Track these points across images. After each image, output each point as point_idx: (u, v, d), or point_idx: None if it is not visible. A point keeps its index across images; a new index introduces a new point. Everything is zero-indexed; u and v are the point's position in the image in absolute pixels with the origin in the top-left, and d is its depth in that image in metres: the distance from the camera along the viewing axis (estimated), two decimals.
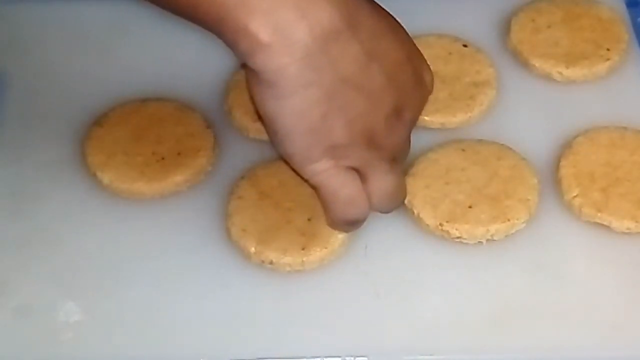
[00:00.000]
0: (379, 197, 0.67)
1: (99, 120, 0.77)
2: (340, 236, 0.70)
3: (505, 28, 0.83)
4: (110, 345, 0.66)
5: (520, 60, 0.81)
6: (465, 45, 0.81)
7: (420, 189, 0.72)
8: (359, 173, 0.66)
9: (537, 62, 0.81)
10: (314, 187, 0.67)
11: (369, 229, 0.71)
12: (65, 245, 0.71)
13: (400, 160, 0.69)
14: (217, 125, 0.77)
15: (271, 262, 0.69)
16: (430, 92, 0.69)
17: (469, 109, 0.78)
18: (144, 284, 0.69)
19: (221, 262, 0.70)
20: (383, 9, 0.66)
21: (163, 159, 0.74)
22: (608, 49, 0.81)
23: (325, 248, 0.70)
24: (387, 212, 0.70)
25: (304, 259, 0.69)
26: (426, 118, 0.77)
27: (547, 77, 0.80)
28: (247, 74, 0.62)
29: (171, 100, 0.78)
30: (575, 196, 0.72)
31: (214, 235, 0.71)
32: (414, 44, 0.68)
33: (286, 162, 0.66)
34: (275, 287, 0.69)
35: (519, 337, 0.66)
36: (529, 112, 0.79)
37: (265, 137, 0.76)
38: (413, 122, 0.68)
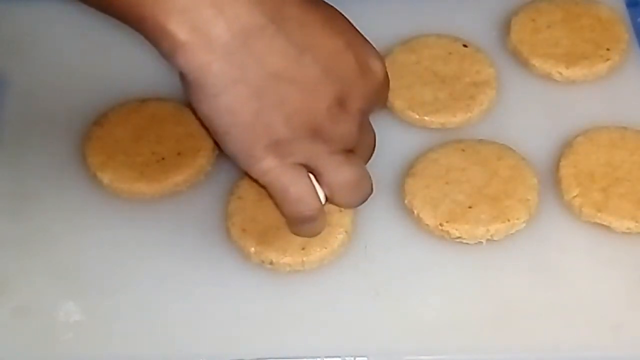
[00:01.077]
0: (337, 190, 0.67)
1: (99, 120, 0.77)
2: (340, 236, 0.70)
3: (505, 28, 0.83)
4: (110, 345, 0.66)
5: (520, 60, 0.81)
6: (465, 45, 0.81)
7: (420, 189, 0.72)
8: (310, 169, 0.65)
9: (537, 62, 0.81)
10: (262, 186, 0.66)
11: (369, 229, 0.71)
12: (65, 245, 0.71)
13: (361, 151, 0.68)
14: None
15: (271, 262, 0.69)
16: (380, 79, 0.67)
17: (469, 109, 0.78)
18: (144, 284, 0.69)
19: (221, 262, 0.70)
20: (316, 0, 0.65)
21: (163, 159, 0.74)
22: (608, 49, 0.81)
23: (325, 248, 0.69)
24: (353, 206, 0.69)
25: (304, 259, 0.69)
26: (426, 118, 0.77)
27: (547, 77, 0.80)
28: (179, 77, 0.62)
29: (171, 100, 0.78)
30: (575, 196, 0.72)
31: (214, 235, 0.71)
32: (357, 33, 0.66)
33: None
34: (275, 287, 0.69)
35: (519, 337, 0.66)
36: (529, 112, 0.79)
37: None
38: (362, 112, 0.66)
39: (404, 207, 0.72)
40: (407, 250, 0.70)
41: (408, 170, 0.74)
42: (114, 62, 0.82)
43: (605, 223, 0.71)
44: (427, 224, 0.71)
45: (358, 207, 0.72)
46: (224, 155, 0.75)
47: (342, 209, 0.71)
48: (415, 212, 0.72)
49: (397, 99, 0.78)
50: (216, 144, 0.65)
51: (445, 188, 0.72)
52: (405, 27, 0.83)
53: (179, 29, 0.59)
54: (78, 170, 0.75)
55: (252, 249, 0.70)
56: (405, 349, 0.66)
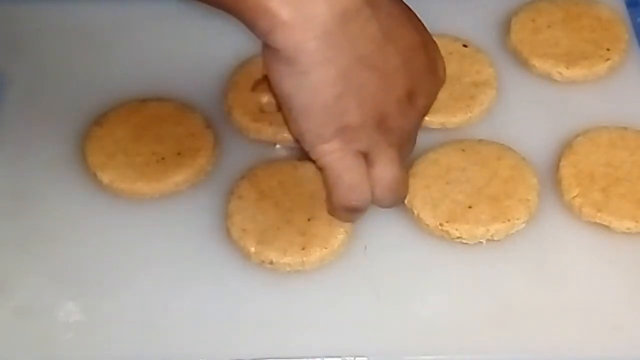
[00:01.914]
0: (382, 186, 0.67)
1: (99, 120, 0.77)
2: (340, 236, 0.70)
3: (505, 28, 0.83)
4: (110, 345, 0.66)
5: (520, 60, 0.81)
6: (465, 45, 0.81)
7: (420, 189, 0.72)
8: (366, 159, 0.66)
9: (537, 62, 0.81)
10: (320, 168, 0.67)
11: (369, 229, 0.71)
12: (65, 245, 0.71)
13: (406, 152, 0.69)
14: (217, 125, 0.77)
15: (271, 262, 0.69)
16: (443, 81, 0.69)
17: (469, 109, 0.78)
18: (144, 283, 0.69)
19: (221, 262, 0.70)
20: None
21: (163, 159, 0.74)
22: (608, 49, 0.81)
23: (325, 248, 0.70)
24: (387, 207, 0.70)
25: (304, 259, 0.69)
26: (426, 118, 0.77)
27: (547, 77, 0.80)
28: (264, 53, 0.63)
29: (171, 100, 0.78)
30: (575, 196, 0.72)
31: (214, 235, 0.71)
32: (429, 33, 0.68)
33: (297, 142, 0.66)
34: (275, 287, 0.69)
35: (519, 337, 0.66)
36: (529, 112, 0.79)
37: (265, 137, 0.76)
38: (425, 109, 0.68)
39: (404, 207, 0.72)
40: (407, 250, 0.70)
41: (408, 170, 0.74)
42: (114, 62, 0.82)
43: (605, 223, 0.71)
44: (427, 224, 0.71)
45: None
46: (224, 156, 0.75)
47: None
48: (415, 212, 0.72)
49: None
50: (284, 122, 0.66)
51: (445, 188, 0.72)
52: None
53: (281, 8, 0.60)
54: (78, 170, 0.75)
55: (252, 249, 0.70)
56: (405, 349, 0.66)
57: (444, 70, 0.69)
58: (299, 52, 0.61)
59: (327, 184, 0.67)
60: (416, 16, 0.67)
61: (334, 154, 0.65)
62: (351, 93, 0.63)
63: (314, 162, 0.66)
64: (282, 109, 0.65)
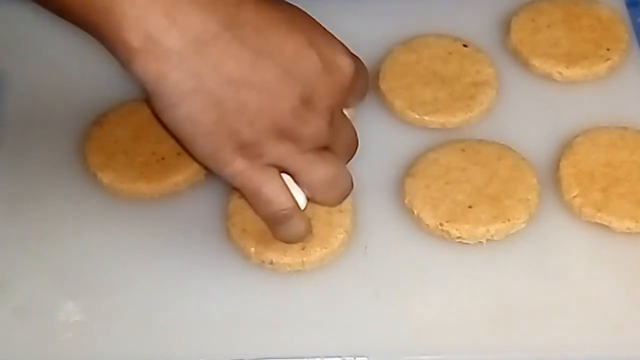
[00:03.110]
0: (314, 189, 0.66)
1: (99, 120, 0.77)
2: (340, 236, 0.70)
3: (505, 28, 0.83)
4: (110, 346, 0.66)
5: (520, 60, 0.81)
6: (465, 45, 0.81)
7: (420, 189, 0.72)
8: (284, 169, 0.65)
9: (537, 62, 0.81)
10: (238, 191, 0.66)
11: (369, 229, 0.71)
12: (65, 245, 0.71)
13: (338, 148, 0.67)
14: None
15: (271, 262, 0.69)
16: (348, 74, 0.65)
17: (469, 109, 0.78)
18: (144, 284, 0.69)
19: (221, 262, 0.70)
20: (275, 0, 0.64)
21: (163, 159, 0.74)
22: (608, 49, 0.81)
23: (325, 248, 0.70)
24: (335, 204, 0.69)
25: (304, 259, 0.69)
26: (426, 118, 0.77)
27: (547, 77, 0.80)
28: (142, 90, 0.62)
29: None
30: (575, 196, 0.72)
31: (214, 235, 0.71)
32: (321, 31, 0.66)
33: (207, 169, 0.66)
34: (275, 287, 0.69)
35: (519, 337, 0.66)
36: (529, 112, 0.79)
37: None
38: (331, 109, 0.65)
39: (404, 207, 0.72)
40: (407, 250, 0.70)
41: (408, 170, 0.74)
42: (114, 62, 0.82)
43: (605, 223, 0.71)
44: (427, 224, 0.71)
45: (358, 208, 0.72)
46: None
47: (342, 209, 0.71)
48: (415, 212, 0.72)
49: (397, 99, 0.78)
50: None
51: (445, 188, 0.72)
52: (405, 27, 0.83)
53: (132, 38, 0.59)
54: (78, 170, 0.75)
55: (252, 249, 0.70)
56: (405, 349, 0.66)
57: (349, 61, 0.65)
58: (161, 84, 0.60)
59: (251, 205, 0.67)
60: (302, 16, 0.65)
61: (243, 173, 0.64)
62: (233, 114, 0.62)
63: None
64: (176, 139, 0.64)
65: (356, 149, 0.70)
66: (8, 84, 0.80)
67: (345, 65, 0.65)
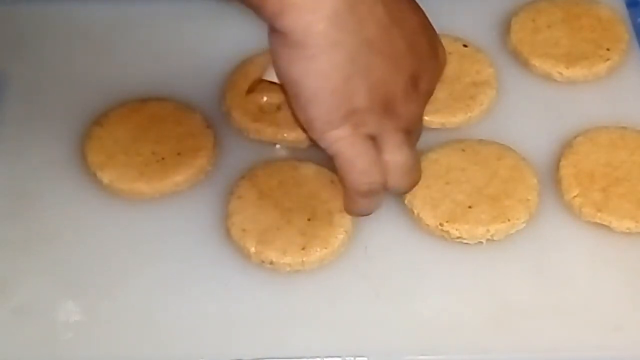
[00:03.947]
0: (394, 169, 0.67)
1: (99, 120, 0.77)
2: (340, 236, 0.70)
3: (505, 28, 0.83)
4: (110, 345, 0.66)
5: (520, 60, 0.81)
6: (465, 45, 0.81)
7: (420, 189, 0.72)
8: (375, 143, 0.66)
9: (537, 62, 0.81)
10: (331, 156, 0.66)
11: (369, 229, 0.71)
12: (65, 245, 0.71)
13: (415, 135, 0.69)
14: (217, 125, 0.77)
15: (271, 262, 0.69)
16: (443, 66, 0.69)
17: (469, 109, 0.78)
18: (144, 284, 0.69)
19: (221, 262, 0.70)
20: None
21: (163, 159, 0.74)
22: (608, 49, 0.81)
23: (325, 248, 0.70)
24: (402, 191, 0.70)
25: (304, 259, 0.69)
26: (426, 118, 0.77)
27: (547, 77, 0.80)
28: (271, 41, 0.63)
29: (171, 100, 0.78)
30: (575, 196, 0.72)
31: (214, 235, 0.71)
32: (427, 18, 0.68)
33: (305, 131, 0.66)
34: (275, 287, 0.69)
35: (519, 337, 0.66)
36: (529, 112, 0.79)
37: (265, 137, 0.76)
38: (428, 94, 0.68)
39: (404, 207, 0.72)
40: (407, 250, 0.70)
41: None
42: (114, 62, 0.82)
43: (605, 223, 0.71)
44: (427, 224, 0.71)
45: None
46: (224, 156, 0.75)
47: (342, 209, 0.71)
48: (415, 212, 0.72)
49: None
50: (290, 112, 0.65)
51: (445, 188, 0.72)
52: None
53: None
54: (78, 170, 0.75)
55: (252, 249, 0.70)
56: (405, 349, 0.66)
57: (444, 52, 0.69)
58: (308, 34, 0.61)
59: (340, 171, 0.66)
60: (415, 0, 0.67)
61: (345, 139, 0.64)
62: (359, 76, 0.63)
63: (322, 150, 0.66)
64: (289, 97, 0.65)
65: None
66: (8, 84, 0.80)
67: (443, 55, 0.68)
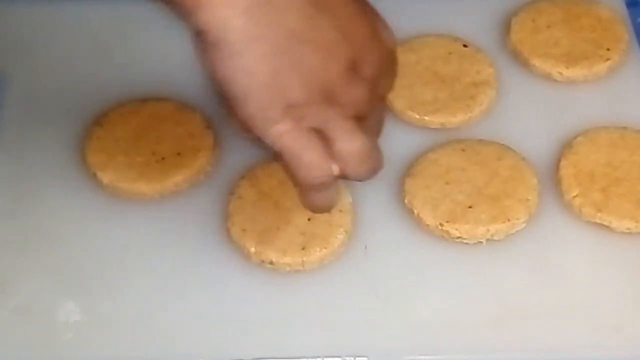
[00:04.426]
0: (346, 158, 0.65)
1: (99, 120, 0.77)
2: (340, 236, 0.70)
3: (505, 28, 0.83)
4: (110, 345, 0.66)
5: (520, 60, 0.81)
6: (465, 45, 0.81)
7: (420, 189, 0.72)
8: (323, 135, 0.64)
9: (537, 62, 0.81)
10: (278, 153, 0.65)
11: (369, 229, 0.71)
12: (65, 245, 0.71)
13: (371, 122, 0.67)
14: (217, 125, 0.77)
15: (271, 262, 0.69)
16: (390, 49, 0.66)
17: (469, 109, 0.78)
18: (144, 284, 0.69)
19: (221, 262, 0.70)
20: None
21: (163, 159, 0.74)
22: (608, 49, 0.81)
23: (325, 248, 0.70)
24: (362, 179, 0.68)
25: (304, 259, 0.69)
26: (426, 118, 0.77)
27: (547, 77, 0.80)
28: (195, 42, 0.62)
29: (171, 100, 0.78)
30: (575, 196, 0.72)
31: (214, 235, 0.71)
32: (368, 2, 0.66)
33: (248, 130, 0.64)
34: (275, 287, 0.69)
35: (519, 337, 0.66)
36: (529, 112, 0.79)
37: None
38: (374, 77, 0.65)
39: (404, 207, 0.72)
40: (407, 250, 0.70)
41: (408, 170, 0.74)
42: (114, 62, 0.82)
43: (605, 223, 0.71)
44: (427, 224, 0.71)
45: (358, 208, 0.72)
46: (224, 156, 0.75)
47: (342, 209, 0.71)
48: (415, 212, 0.72)
49: (397, 99, 0.78)
50: (229, 112, 0.64)
51: (445, 188, 0.72)
52: (405, 27, 0.83)
53: None
54: (78, 170, 0.75)
55: (252, 249, 0.70)
56: (405, 349, 0.66)
57: (391, 35, 0.67)
58: (226, 30, 0.60)
59: (289, 167, 0.65)
60: None
61: (287, 134, 0.63)
62: (289, 69, 0.61)
63: (268, 147, 0.64)
64: (225, 99, 0.63)
65: (382, 130, 0.69)
66: (8, 84, 0.80)
67: (389, 38, 0.66)
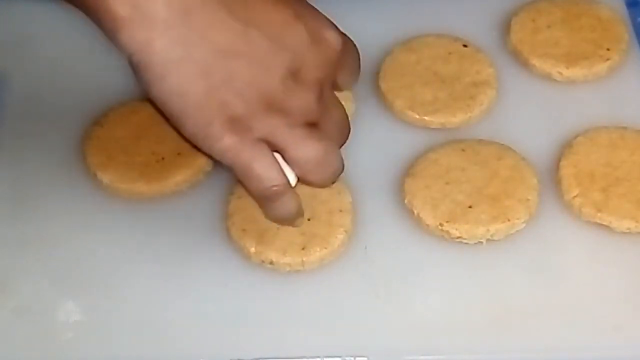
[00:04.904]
0: (303, 166, 0.65)
1: (99, 120, 0.77)
2: (340, 236, 0.70)
3: (505, 28, 0.83)
4: (110, 345, 0.66)
5: (520, 60, 0.81)
6: (465, 45, 0.81)
7: (420, 189, 0.72)
8: (273, 145, 0.64)
9: (537, 62, 0.81)
10: (229, 168, 0.65)
11: (369, 229, 0.71)
12: (65, 245, 0.71)
13: (329, 127, 0.67)
14: None
15: (271, 262, 0.69)
16: (335, 47, 0.65)
17: (469, 109, 0.78)
18: (144, 284, 0.69)
19: (221, 262, 0.70)
20: None
21: (163, 159, 0.74)
22: (608, 49, 0.81)
23: (325, 248, 0.69)
24: (324, 184, 0.68)
25: (304, 259, 0.69)
26: (426, 118, 0.77)
27: (547, 77, 0.80)
28: (129, 63, 0.62)
29: None
30: (575, 196, 0.72)
31: (214, 235, 0.71)
32: (307, 5, 0.66)
33: (196, 148, 0.65)
34: (275, 287, 0.69)
35: (519, 337, 0.66)
36: (529, 112, 0.79)
37: None
38: (319, 82, 0.65)
39: (404, 207, 0.72)
40: (407, 250, 0.70)
41: (408, 170, 0.74)
42: (114, 62, 0.82)
43: (605, 223, 0.71)
44: (427, 224, 0.71)
45: (358, 208, 0.72)
46: None
47: (342, 209, 0.71)
48: (415, 212, 0.72)
49: (397, 99, 0.78)
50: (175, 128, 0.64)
51: (445, 188, 0.72)
52: (405, 27, 0.83)
53: (119, 6, 0.59)
54: (78, 170, 0.75)
55: (252, 249, 0.70)
56: (405, 349, 0.66)
57: (336, 35, 0.65)
58: (149, 53, 0.60)
59: (242, 182, 0.66)
60: None
61: (233, 148, 0.63)
62: (221, 86, 0.61)
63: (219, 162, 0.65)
64: (166, 118, 0.64)
65: (348, 132, 0.69)
66: (8, 84, 0.80)
67: (332, 38, 0.65)
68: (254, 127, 0.63)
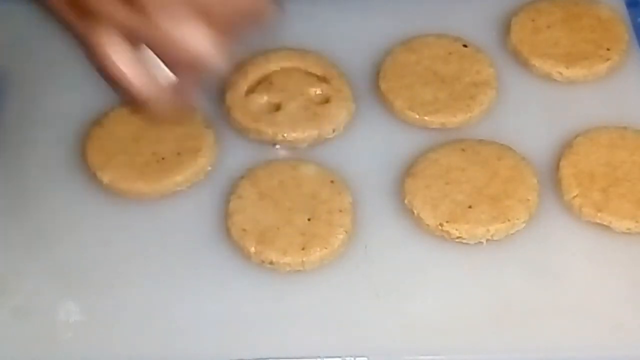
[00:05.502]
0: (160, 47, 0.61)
1: (99, 120, 0.77)
2: (340, 236, 0.70)
3: (505, 28, 0.83)
4: (110, 345, 0.66)
5: (520, 60, 0.81)
6: (465, 45, 0.81)
7: (420, 189, 0.72)
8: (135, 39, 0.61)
9: (537, 62, 0.81)
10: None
11: (369, 229, 0.71)
12: (65, 245, 0.71)
13: (215, 18, 0.60)
14: (217, 125, 0.77)
15: (271, 262, 0.69)
16: None
17: (469, 109, 0.78)
18: (144, 284, 0.69)
19: (221, 262, 0.70)
20: None
21: (163, 159, 0.74)
22: (608, 49, 0.81)
23: (325, 248, 0.69)
24: (220, 70, 0.63)
25: (304, 259, 0.69)
26: (426, 118, 0.77)
27: (547, 77, 0.80)
28: None
29: None
30: (575, 196, 0.72)
31: (214, 235, 0.71)
32: None
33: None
34: (275, 287, 0.69)
35: (519, 337, 0.66)
36: (529, 112, 0.79)
37: (265, 137, 0.76)
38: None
39: (404, 207, 0.72)
40: (407, 250, 0.70)
41: (408, 170, 0.74)
42: None
43: (605, 223, 0.71)
44: (427, 224, 0.71)
45: (358, 208, 0.72)
46: (224, 156, 0.75)
47: (342, 209, 0.71)
48: (415, 212, 0.72)
49: (397, 99, 0.78)
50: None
51: (445, 188, 0.72)
52: (405, 27, 0.83)
53: None
54: (78, 170, 0.75)
55: (252, 249, 0.70)
56: (405, 349, 0.66)
57: None
58: None
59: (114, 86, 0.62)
60: None
61: (102, 46, 0.61)
62: None
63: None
64: None
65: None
66: (8, 84, 0.80)
67: None
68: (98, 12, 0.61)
